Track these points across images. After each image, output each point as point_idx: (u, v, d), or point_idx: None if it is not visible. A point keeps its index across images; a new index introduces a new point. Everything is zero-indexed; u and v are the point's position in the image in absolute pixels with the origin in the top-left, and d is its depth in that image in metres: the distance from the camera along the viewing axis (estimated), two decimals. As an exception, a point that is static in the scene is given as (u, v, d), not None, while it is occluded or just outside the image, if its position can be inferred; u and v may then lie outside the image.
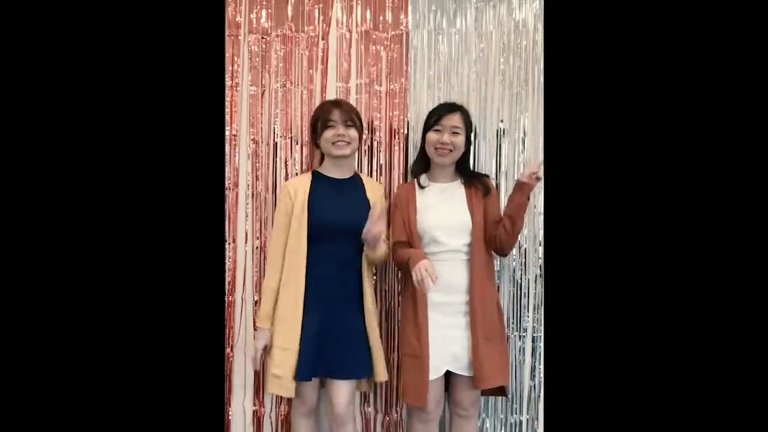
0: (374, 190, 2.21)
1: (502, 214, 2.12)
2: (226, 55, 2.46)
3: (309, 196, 2.13)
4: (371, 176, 2.47)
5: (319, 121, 2.13)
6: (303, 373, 2.04)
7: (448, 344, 2.05)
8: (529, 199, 2.06)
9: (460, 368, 2.07)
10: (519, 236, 2.21)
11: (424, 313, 2.05)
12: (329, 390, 2.11)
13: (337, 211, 2.11)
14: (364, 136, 2.42)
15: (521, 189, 2.03)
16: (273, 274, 2.13)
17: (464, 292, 2.08)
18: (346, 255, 2.12)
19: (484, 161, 2.47)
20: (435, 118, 2.14)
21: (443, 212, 2.12)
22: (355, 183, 2.21)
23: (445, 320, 2.07)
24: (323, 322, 2.07)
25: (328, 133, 2.11)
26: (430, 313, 2.06)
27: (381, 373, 2.15)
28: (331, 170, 2.20)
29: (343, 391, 2.08)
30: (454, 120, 2.12)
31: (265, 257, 2.45)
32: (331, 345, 2.07)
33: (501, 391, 2.20)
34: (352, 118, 2.13)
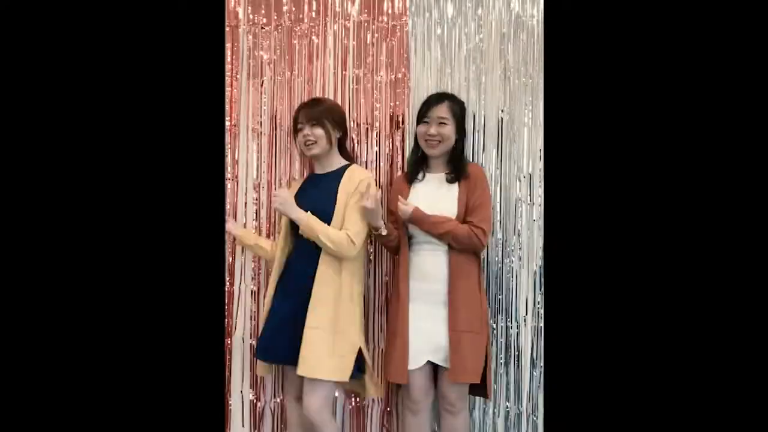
0: (351, 181, 2.14)
1: (479, 202, 2.12)
2: (226, 46, 2.45)
3: (296, 194, 2.22)
4: (369, 166, 2.47)
5: (293, 125, 2.24)
6: (261, 352, 2.17)
7: (429, 335, 2.07)
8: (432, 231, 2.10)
9: (442, 360, 2.08)
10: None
11: (406, 295, 2.11)
12: (304, 389, 2.08)
13: (303, 206, 2.12)
14: (365, 126, 2.42)
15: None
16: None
17: (444, 282, 2.09)
18: (313, 248, 2.11)
19: (484, 151, 2.46)
20: (423, 110, 2.19)
21: (427, 202, 2.13)
22: (333, 177, 2.19)
23: (426, 309, 2.09)
24: (287, 312, 2.10)
25: (298, 137, 2.20)
26: (411, 301, 2.10)
27: (336, 372, 2.02)
28: (316, 167, 2.29)
29: (311, 393, 2.03)
30: (441, 111, 2.15)
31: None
32: (291, 334, 2.06)
33: (483, 392, 2.19)
34: (317, 116, 2.15)
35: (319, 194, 2.16)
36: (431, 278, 2.11)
